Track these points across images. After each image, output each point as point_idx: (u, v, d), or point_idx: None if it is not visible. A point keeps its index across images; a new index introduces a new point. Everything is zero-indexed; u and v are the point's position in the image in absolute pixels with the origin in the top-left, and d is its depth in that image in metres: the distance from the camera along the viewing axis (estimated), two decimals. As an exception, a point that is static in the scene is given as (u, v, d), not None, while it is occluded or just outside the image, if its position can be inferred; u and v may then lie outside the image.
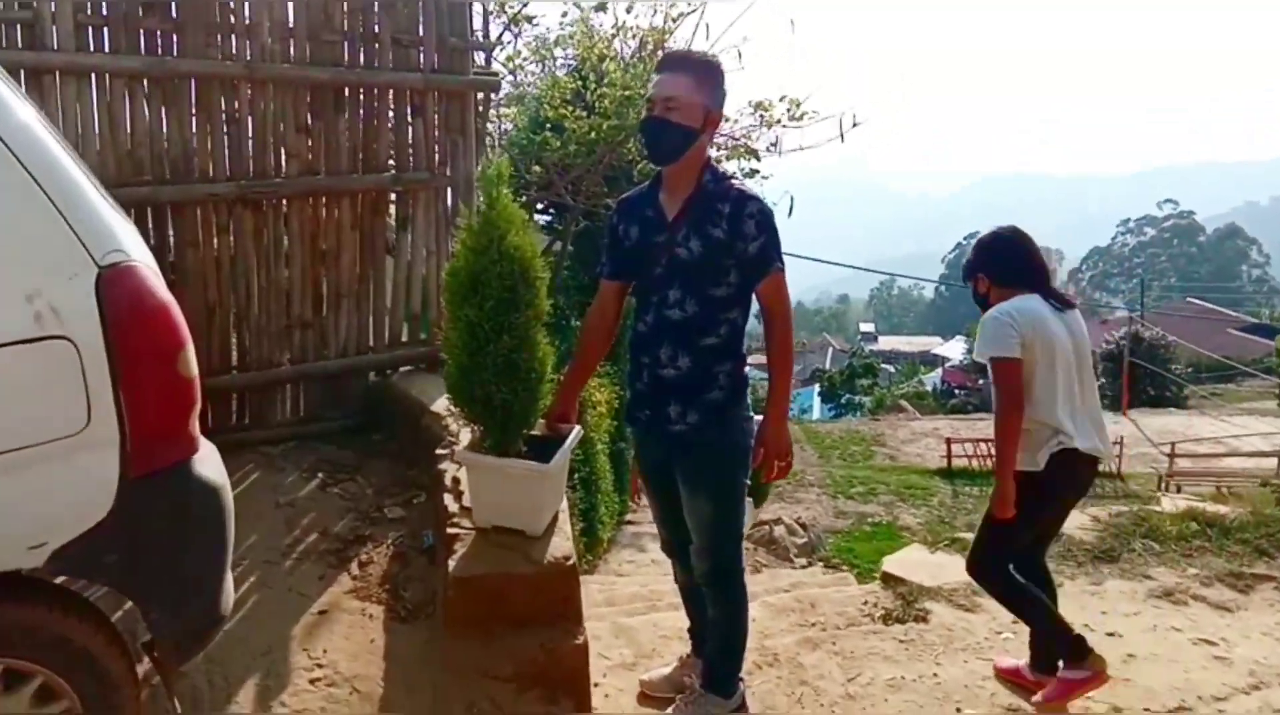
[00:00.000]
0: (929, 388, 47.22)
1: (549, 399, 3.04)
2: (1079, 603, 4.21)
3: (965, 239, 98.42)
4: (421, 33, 4.15)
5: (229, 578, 2.31)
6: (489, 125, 10.39)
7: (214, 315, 3.95)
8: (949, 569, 4.54)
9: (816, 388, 45.96)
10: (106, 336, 1.93)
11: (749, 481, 3.00)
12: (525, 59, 10.68)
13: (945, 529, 15.45)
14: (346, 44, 4.01)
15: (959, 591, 4.28)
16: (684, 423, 2.82)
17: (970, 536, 3.87)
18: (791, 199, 9.82)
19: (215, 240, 3.89)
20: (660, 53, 11.30)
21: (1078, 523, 4.97)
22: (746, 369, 2.90)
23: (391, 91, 4.17)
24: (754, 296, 2.80)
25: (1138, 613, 4.15)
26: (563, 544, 3.09)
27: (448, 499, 3.35)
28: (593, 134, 9.94)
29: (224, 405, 4.07)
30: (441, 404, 4.05)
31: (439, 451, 3.70)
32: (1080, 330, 3.30)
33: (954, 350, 55.09)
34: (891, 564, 4.66)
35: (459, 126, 4.29)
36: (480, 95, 4.60)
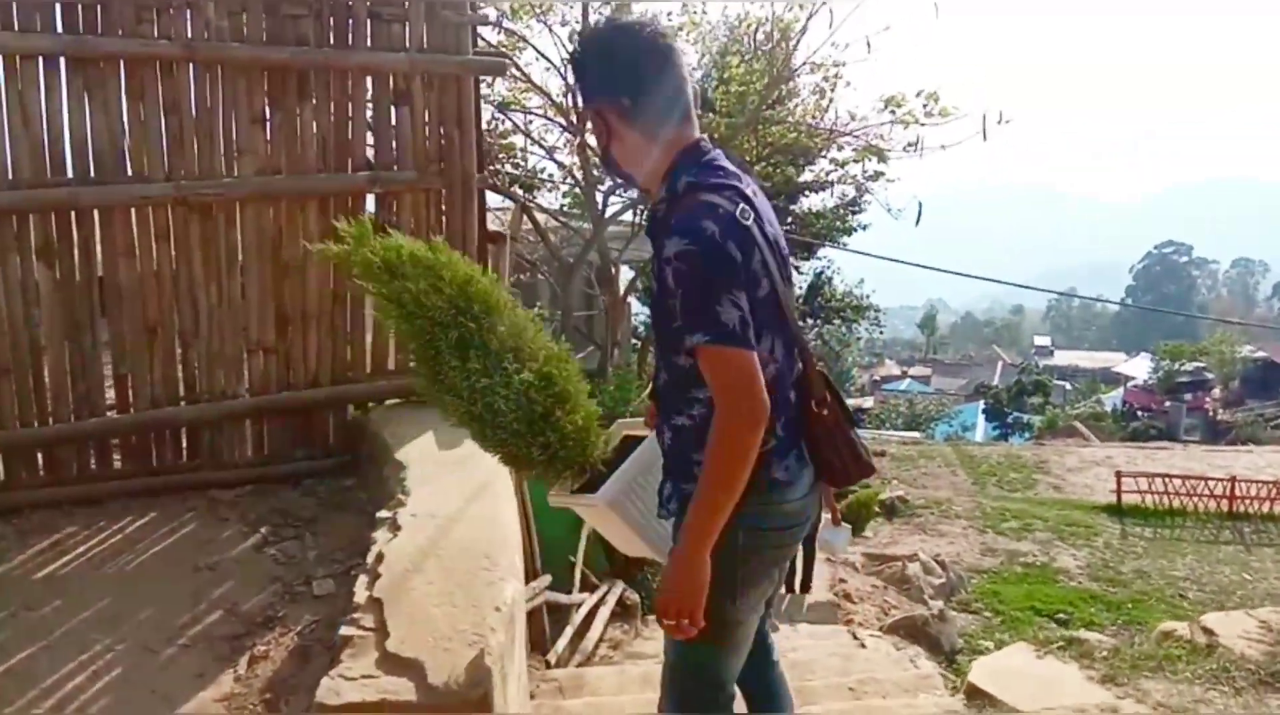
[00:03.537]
0: (1108, 408, 43.78)
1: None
2: (1235, 750, 3.12)
3: (1156, 248, 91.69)
4: (407, 4, 3.48)
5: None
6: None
7: (155, 338, 3.40)
8: (1058, 687, 3.51)
9: (981, 405, 43.38)
10: None
11: (735, 607, 2.10)
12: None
13: (1108, 573, 13.86)
14: (314, 19, 3.38)
15: (1066, 722, 3.26)
16: (667, 509, 2.13)
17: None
18: (920, 205, 8.75)
19: (154, 250, 3.33)
20: (786, 44, 10.45)
21: (1240, 629, 3.80)
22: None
23: (369, 75, 3.52)
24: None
25: (1319, 776, 3.02)
26: (477, 657, 2.32)
27: (360, 583, 2.64)
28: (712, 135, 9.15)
29: (170, 442, 3.52)
30: (411, 451, 3.37)
31: (381, 514, 3.01)
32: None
33: (1139, 368, 51.18)
34: (982, 673, 3.66)
35: (454, 116, 3.60)
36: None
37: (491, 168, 9.36)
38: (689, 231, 1.86)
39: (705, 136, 2.08)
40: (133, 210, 3.27)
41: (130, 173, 3.26)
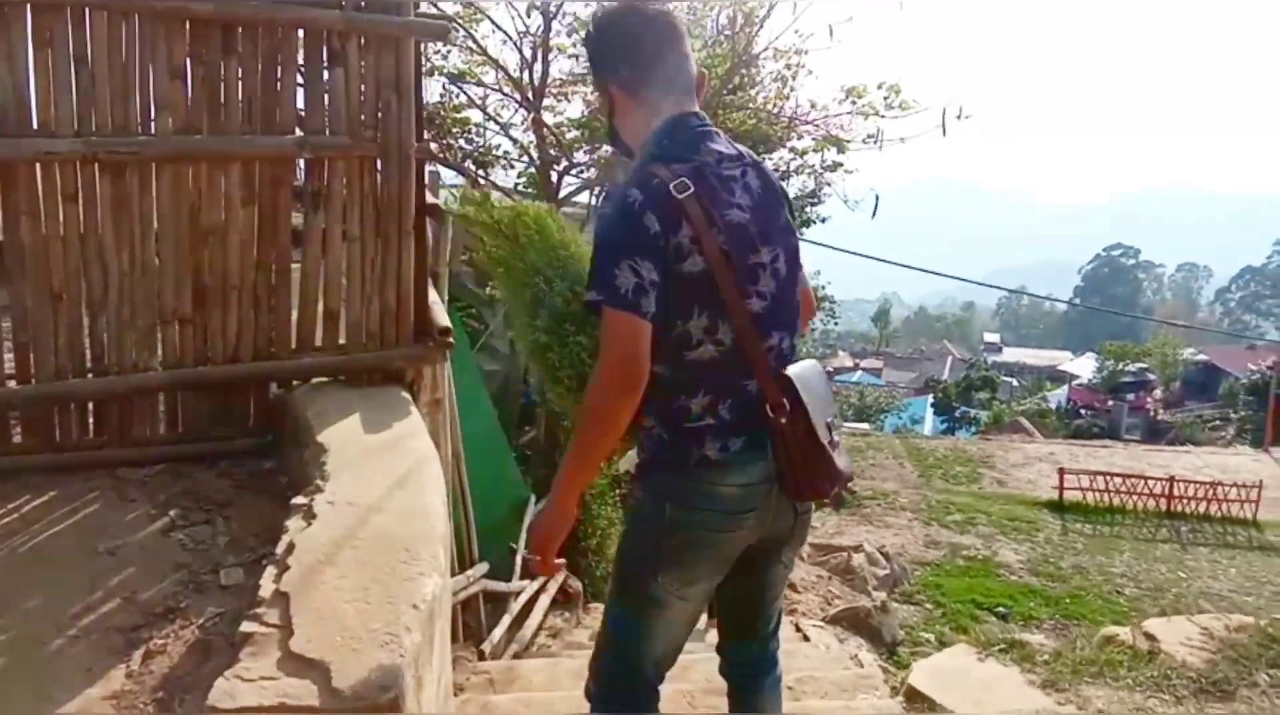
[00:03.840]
0: (1053, 406, 44.59)
1: None
2: (1173, 761, 3.06)
3: (1105, 250, 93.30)
4: (344, -42, 3.27)
5: None
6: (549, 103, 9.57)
7: (60, 305, 3.16)
8: (998, 691, 3.42)
9: (930, 398, 43.89)
10: None
11: (658, 583, 2.14)
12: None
13: (1048, 569, 14.04)
14: (242, -31, 3.15)
15: (1006, 729, 3.18)
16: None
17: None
18: (877, 198, 8.70)
19: (61, 211, 3.10)
20: (749, 30, 10.30)
21: (1182, 636, 3.75)
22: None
23: (301, 32, 3.30)
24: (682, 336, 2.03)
25: (1257, 788, 2.97)
26: (389, 659, 2.16)
27: (266, 575, 2.46)
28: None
29: (75, 416, 3.29)
30: (334, 433, 3.18)
31: (296, 500, 2.82)
32: None
33: (1084, 367, 52.19)
34: (922, 675, 3.55)
35: (392, 81, 3.39)
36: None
37: (444, 141, 9.11)
38: (614, 197, 2.03)
39: (697, 112, 2.12)
40: (38, 167, 3.02)
41: (36, 126, 3.01)
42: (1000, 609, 11.96)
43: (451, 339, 3.61)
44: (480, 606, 5.42)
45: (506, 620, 5.86)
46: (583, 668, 4.63)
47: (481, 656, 5.06)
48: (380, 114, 3.40)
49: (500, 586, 5.90)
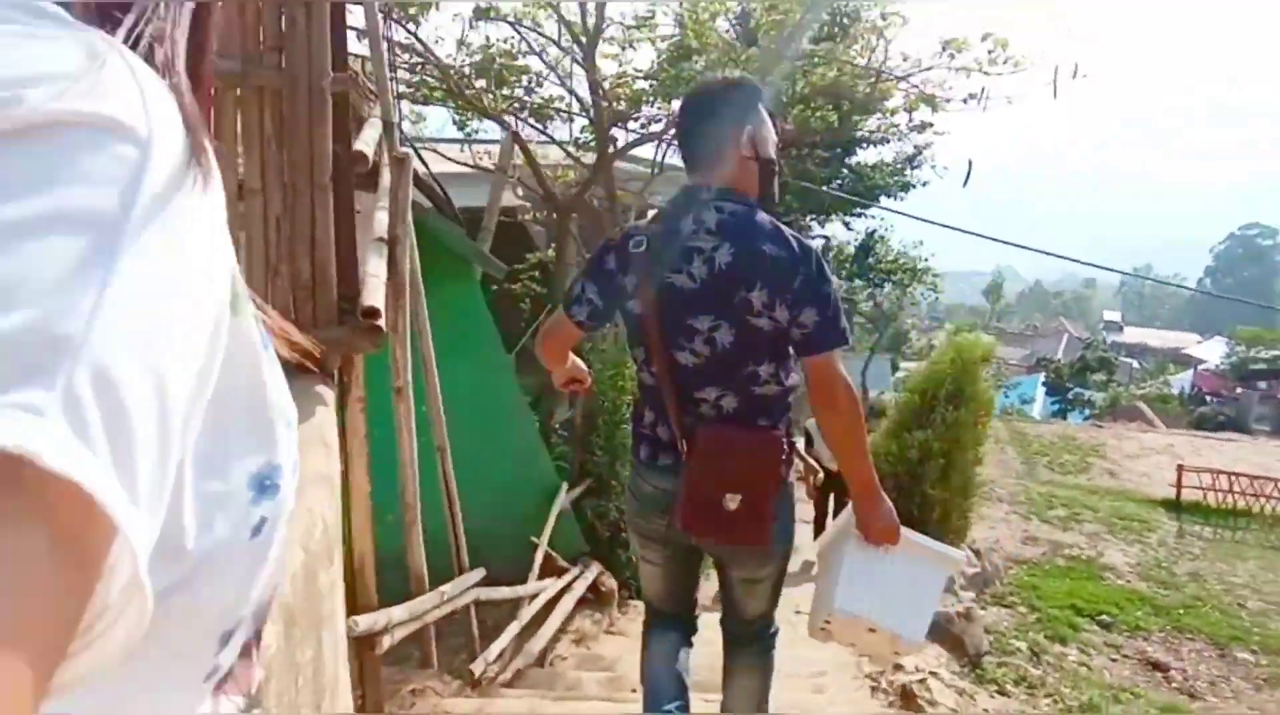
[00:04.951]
0: (1175, 391, 41.85)
1: None
2: None
3: (1239, 229, 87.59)
4: None
5: None
6: (601, 59, 8.69)
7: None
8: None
9: (1041, 377, 41.73)
10: None
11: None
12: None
13: (1161, 574, 12.74)
14: None
15: None
16: None
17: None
18: (970, 164, 7.68)
19: None
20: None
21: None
22: None
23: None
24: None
25: None
26: None
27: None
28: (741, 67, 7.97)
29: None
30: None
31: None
32: None
33: (1212, 352, 48.91)
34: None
35: (300, -8, 2.66)
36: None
37: (498, 91, 8.40)
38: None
39: (693, 184, 2.39)
40: None
41: None
42: (1104, 617, 10.78)
43: (380, 322, 2.88)
44: (472, 621, 4.74)
45: (514, 628, 5.18)
46: (574, 710, 3.93)
47: (473, 680, 4.38)
48: (286, 31, 2.68)
49: (503, 592, 5.20)
